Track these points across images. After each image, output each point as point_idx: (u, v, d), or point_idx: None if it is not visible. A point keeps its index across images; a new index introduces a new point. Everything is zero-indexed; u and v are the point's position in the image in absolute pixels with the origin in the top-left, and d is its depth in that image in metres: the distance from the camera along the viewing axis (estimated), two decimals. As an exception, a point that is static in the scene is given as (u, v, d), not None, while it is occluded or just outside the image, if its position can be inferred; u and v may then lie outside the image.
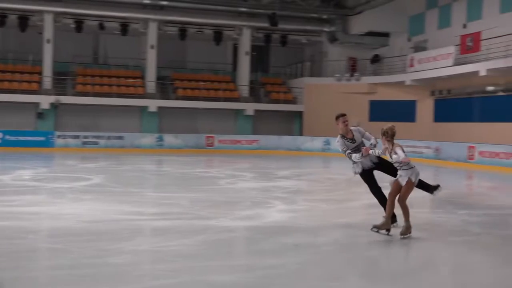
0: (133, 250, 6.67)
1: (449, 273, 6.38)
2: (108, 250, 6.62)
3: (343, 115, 8.50)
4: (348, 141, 8.45)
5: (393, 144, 7.59)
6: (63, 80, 29.89)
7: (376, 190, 8.58)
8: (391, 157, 7.66)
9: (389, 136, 7.57)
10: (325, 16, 31.66)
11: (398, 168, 7.67)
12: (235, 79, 32.96)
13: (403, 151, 7.48)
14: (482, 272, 6.18)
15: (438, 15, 28.27)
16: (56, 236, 7.52)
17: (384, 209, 8.09)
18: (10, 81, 28.40)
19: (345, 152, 8.49)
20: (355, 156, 8.28)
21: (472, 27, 25.08)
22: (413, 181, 7.56)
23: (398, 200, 7.62)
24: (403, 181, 7.57)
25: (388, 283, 5.69)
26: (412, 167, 7.59)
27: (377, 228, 7.85)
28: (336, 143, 8.64)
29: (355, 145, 8.43)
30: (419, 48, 29.66)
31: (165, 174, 18.09)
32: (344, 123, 8.43)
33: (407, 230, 7.61)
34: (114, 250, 6.63)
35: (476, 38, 23.37)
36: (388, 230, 7.78)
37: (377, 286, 5.59)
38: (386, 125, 7.64)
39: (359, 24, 31.01)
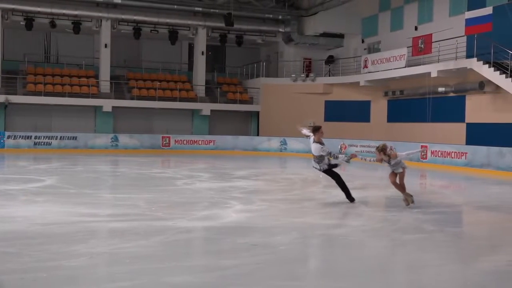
0: (89, 252, 6.55)
1: (403, 271, 6.51)
2: (63, 253, 6.48)
3: (321, 126, 11.21)
4: (311, 144, 10.97)
5: (389, 156, 10.64)
6: (13, 79, 29.08)
7: (341, 180, 11.09)
8: (389, 163, 10.70)
9: (383, 150, 10.71)
10: (280, 17, 31.88)
11: (394, 166, 10.69)
12: (191, 79, 32.79)
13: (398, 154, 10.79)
14: (436, 269, 6.32)
15: (391, 18, 28.87)
16: (7, 240, 7.30)
17: (347, 195, 11.04)
18: (-43, 79, 27.44)
19: (330, 153, 10.77)
20: (343, 157, 10.98)
21: (423, 30, 25.71)
22: (405, 167, 10.79)
23: (397, 183, 10.77)
24: (398, 170, 10.67)
25: (342, 282, 5.76)
26: (401, 161, 10.70)
27: (407, 202, 10.65)
28: (322, 148, 10.79)
29: (313, 152, 10.93)
30: (372, 49, 30.21)
31: (120, 175, 17.83)
32: (322, 133, 11.05)
33: (409, 198, 10.69)
34: (68, 253, 6.48)
35: (427, 40, 23.94)
36: (412, 201, 10.72)
37: (333, 285, 5.66)
38: (379, 143, 11.24)
39: (314, 25, 31.34)
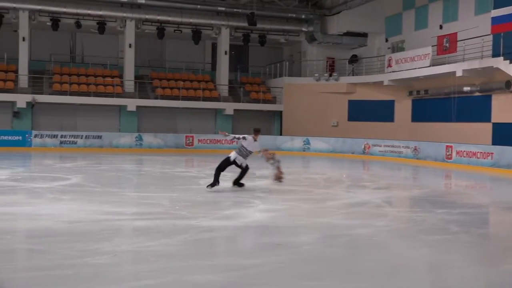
0: (113, 250, 6.62)
1: (427, 272, 6.45)
2: (88, 250, 6.56)
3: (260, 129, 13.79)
4: (251, 142, 12.92)
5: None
6: (40, 78, 29.53)
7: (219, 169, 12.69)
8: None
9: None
10: (303, 16, 31.79)
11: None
12: (214, 78, 32.90)
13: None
14: (461, 271, 6.26)
15: (415, 16, 28.58)
16: (34, 237, 7.43)
17: (238, 180, 13.04)
18: (-15, 79, 27.96)
19: (238, 138, 13.00)
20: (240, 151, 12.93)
21: (448, 28, 25.40)
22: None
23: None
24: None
25: (367, 282, 5.73)
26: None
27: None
28: (245, 138, 12.94)
29: (250, 149, 12.91)
30: (396, 48, 29.97)
31: (144, 174, 17.97)
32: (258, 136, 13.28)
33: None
34: (93, 250, 6.56)
35: (452, 39, 23.66)
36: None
37: (357, 286, 5.63)
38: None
39: (337, 24, 31.19)
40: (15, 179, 14.41)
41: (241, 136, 13.25)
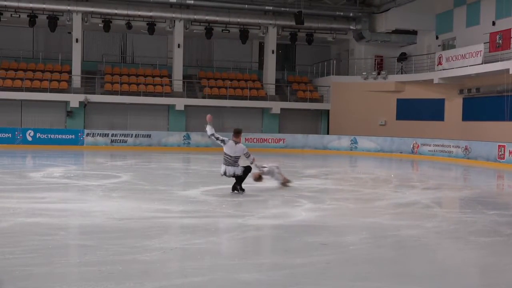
0: (162, 247, 6.74)
1: (478, 274, 6.31)
2: (137, 247, 6.70)
3: (241, 129, 12.18)
4: (232, 146, 11.59)
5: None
6: (92, 79, 30.32)
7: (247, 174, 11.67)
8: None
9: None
10: (351, 14, 31.49)
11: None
12: (261, 77, 32.99)
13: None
14: (513, 273, 6.09)
15: (467, 13, 27.89)
16: (86, 233, 7.65)
17: (239, 184, 11.71)
18: (40, 80, 28.92)
19: (217, 139, 11.67)
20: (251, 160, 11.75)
21: (502, 25, 24.68)
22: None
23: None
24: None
25: (415, 284, 5.65)
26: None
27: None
28: (224, 142, 11.64)
29: (233, 154, 11.61)
30: (447, 46, 29.32)
31: (192, 172, 18.21)
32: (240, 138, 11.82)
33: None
34: (143, 247, 6.70)
35: (506, 35, 22.98)
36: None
37: (404, 287, 5.56)
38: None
39: (386, 22, 30.77)
40: (68, 177, 14.85)
41: (220, 137, 11.81)
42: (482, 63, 24.35)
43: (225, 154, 11.71)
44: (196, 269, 5.84)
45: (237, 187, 11.68)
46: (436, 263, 6.52)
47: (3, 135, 26.78)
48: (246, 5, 30.40)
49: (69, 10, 28.94)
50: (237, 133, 11.81)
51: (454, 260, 6.83)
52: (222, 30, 31.29)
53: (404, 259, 6.76)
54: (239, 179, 11.70)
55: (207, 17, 30.56)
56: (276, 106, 31.01)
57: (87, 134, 27.80)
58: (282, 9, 30.87)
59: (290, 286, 5.40)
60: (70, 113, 28.94)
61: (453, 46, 28.53)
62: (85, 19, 29.59)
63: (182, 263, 6.25)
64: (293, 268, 6.01)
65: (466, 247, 7.47)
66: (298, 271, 5.88)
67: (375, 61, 32.24)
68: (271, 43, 31.93)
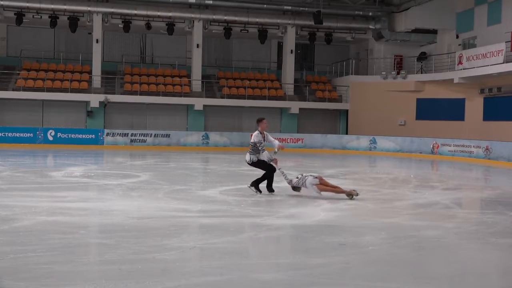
0: (180, 246, 6.77)
1: (499, 277, 6.24)
2: (156, 246, 6.74)
3: (264, 118, 11.90)
4: (262, 137, 11.51)
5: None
6: (112, 79, 30.59)
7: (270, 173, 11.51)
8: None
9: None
10: (370, 14, 31.33)
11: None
12: (280, 77, 32.98)
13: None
14: (534, 275, 6.02)
15: (488, 11, 27.58)
16: (106, 232, 7.71)
17: (269, 183, 11.53)
18: (61, 80, 29.25)
19: (260, 143, 11.38)
20: (266, 154, 11.42)
21: (524, 23, 24.39)
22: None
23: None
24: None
25: (434, 286, 5.60)
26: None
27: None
28: (256, 136, 11.47)
29: (251, 140, 11.58)
30: (468, 45, 29.02)
31: (211, 172, 18.27)
32: (266, 124, 11.77)
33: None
34: (162, 246, 6.74)
35: (528, 34, 22.70)
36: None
37: None
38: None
39: (405, 21, 30.55)
40: (88, 176, 15.01)
41: (262, 142, 11.54)
42: (503, 62, 24.07)
43: (255, 145, 11.60)
44: (215, 269, 5.86)
45: (254, 185, 11.57)
46: (456, 265, 6.47)
47: (25, 135, 27.16)
48: (265, 5, 30.43)
49: (89, 11, 29.22)
50: (257, 121, 11.91)
51: (474, 261, 6.76)
52: (241, 30, 31.35)
53: (424, 260, 6.71)
54: (258, 179, 11.64)
55: (226, 17, 30.64)
56: (294, 106, 30.98)
57: (107, 134, 28.05)
58: (301, 8, 30.83)
59: (309, 286, 5.39)
60: (90, 113, 29.24)
61: (473, 45, 28.23)
62: (105, 19, 29.85)
63: (200, 263, 6.28)
64: (311, 268, 6.00)
65: (486, 249, 7.39)
66: (316, 271, 5.87)
67: (394, 61, 32.03)
68: (289, 43, 31.90)
